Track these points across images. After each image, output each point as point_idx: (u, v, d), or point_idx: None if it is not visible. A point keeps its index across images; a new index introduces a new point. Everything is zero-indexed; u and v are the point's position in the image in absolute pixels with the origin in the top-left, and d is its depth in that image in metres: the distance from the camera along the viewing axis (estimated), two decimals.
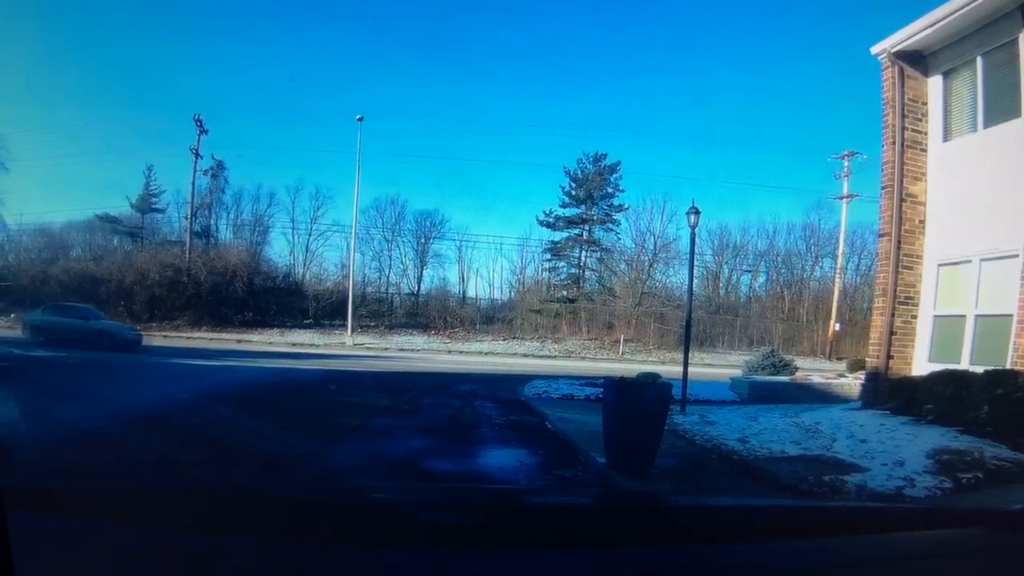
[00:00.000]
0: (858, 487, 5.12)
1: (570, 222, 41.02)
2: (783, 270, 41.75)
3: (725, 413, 9.36)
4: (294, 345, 25.78)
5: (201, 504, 1.27)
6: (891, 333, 8.86)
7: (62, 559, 0.96)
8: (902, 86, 8.91)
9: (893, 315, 8.85)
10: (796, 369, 15.22)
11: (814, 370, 17.93)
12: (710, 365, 24.98)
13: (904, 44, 8.81)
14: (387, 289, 40.94)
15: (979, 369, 7.24)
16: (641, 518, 1.48)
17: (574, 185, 40.88)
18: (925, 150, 8.99)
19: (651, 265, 39.39)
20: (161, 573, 0.98)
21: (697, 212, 10.33)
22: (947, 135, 8.87)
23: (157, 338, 25.84)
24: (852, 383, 12.02)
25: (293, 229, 41.72)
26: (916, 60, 8.99)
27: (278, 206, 42.24)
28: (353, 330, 29.75)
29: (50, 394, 8.67)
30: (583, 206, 40.95)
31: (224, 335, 27.86)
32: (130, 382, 11.19)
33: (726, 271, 42.53)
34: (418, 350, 27.63)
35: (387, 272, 41.58)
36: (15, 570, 0.77)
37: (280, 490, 1.84)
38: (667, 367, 19.18)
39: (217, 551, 1.03)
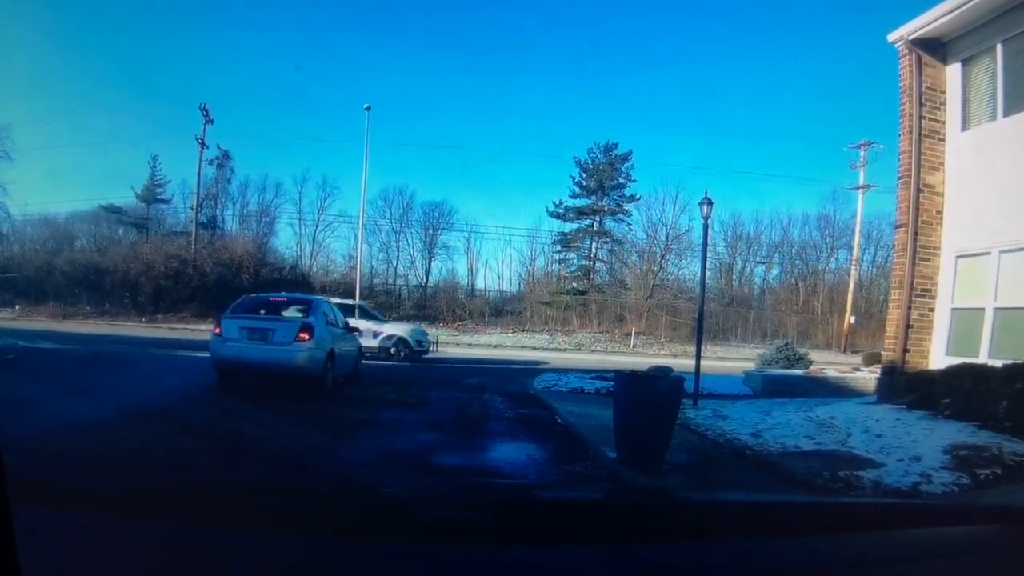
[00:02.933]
0: (874, 483, 5.08)
1: (580, 213, 40.85)
2: (797, 262, 41.55)
3: (738, 407, 9.31)
4: None
5: (209, 498, 1.26)
6: (908, 326, 8.75)
7: (68, 553, 0.95)
8: (920, 74, 8.75)
9: (910, 308, 8.73)
10: (810, 363, 15.13)
11: (829, 364, 17.82)
12: (723, 358, 24.86)
13: (922, 31, 8.64)
14: (395, 281, 40.77)
15: (998, 363, 7.17)
16: (652, 514, 1.45)
17: (585, 175, 40.69)
18: (943, 139, 8.84)
19: (663, 257, 39.23)
20: (169, 567, 0.97)
21: (710, 202, 10.21)
22: (966, 124, 8.72)
23: (163, 330, 25.96)
24: (868, 377, 11.91)
25: (300, 220, 41.54)
26: (934, 48, 8.82)
27: (284, 196, 41.87)
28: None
29: (58, 386, 8.73)
30: (594, 196, 40.76)
31: None
32: (137, 374, 11.26)
33: (739, 263, 42.40)
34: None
35: (395, 263, 41.38)
36: (20, 565, 0.76)
37: (288, 484, 1.85)
38: (679, 360, 19.18)
39: (225, 545, 1.02)
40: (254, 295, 10.85)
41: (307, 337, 8.74)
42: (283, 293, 12.26)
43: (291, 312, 9.59)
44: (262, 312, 9.49)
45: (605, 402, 7.73)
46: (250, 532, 1.07)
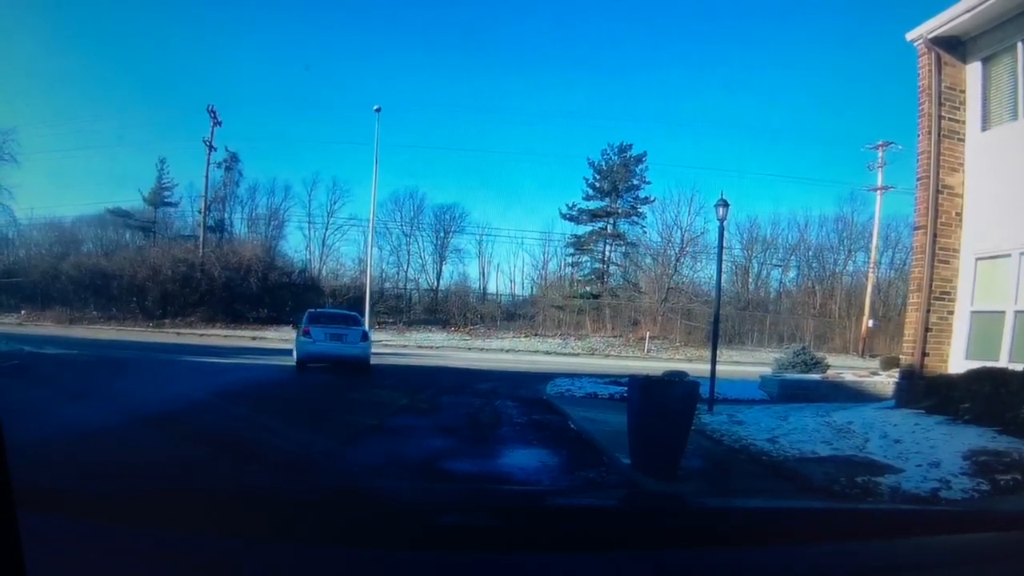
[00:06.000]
0: (892, 489, 5.02)
1: (594, 215, 40.55)
2: (814, 264, 40.97)
3: (754, 412, 9.20)
4: None
5: (216, 505, 1.28)
6: (926, 329, 8.62)
7: (74, 561, 0.96)
8: (939, 73, 8.64)
9: (928, 311, 8.61)
10: (828, 367, 14.91)
11: (846, 368, 17.55)
12: (739, 363, 24.63)
13: (941, 30, 8.53)
14: (405, 285, 40.37)
15: (1019, 367, 7.08)
16: (667, 521, 1.46)
17: (598, 177, 40.36)
18: (963, 140, 8.71)
19: (678, 259, 38.89)
20: (174, 574, 0.98)
21: (726, 204, 10.13)
22: (986, 124, 8.59)
23: (170, 335, 26.10)
24: (886, 381, 11.75)
25: (309, 223, 41.22)
26: (954, 46, 8.70)
27: (294, 199, 41.54)
28: (371, 327, 29.54)
29: (64, 392, 8.82)
30: (607, 199, 40.45)
31: (239, 332, 27.81)
32: (142, 380, 11.39)
33: (756, 266, 41.88)
34: (437, 347, 27.53)
35: (405, 267, 41.01)
36: (26, 572, 0.76)
37: (297, 491, 1.86)
38: (694, 365, 19.04)
39: (232, 553, 1.02)
40: (316, 310, 15.37)
41: (366, 339, 13.79)
42: (339, 309, 17.77)
43: (348, 322, 14.21)
44: (331, 322, 13.83)
45: (619, 407, 7.68)
46: (257, 539, 1.07)
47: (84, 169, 54.29)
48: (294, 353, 13.57)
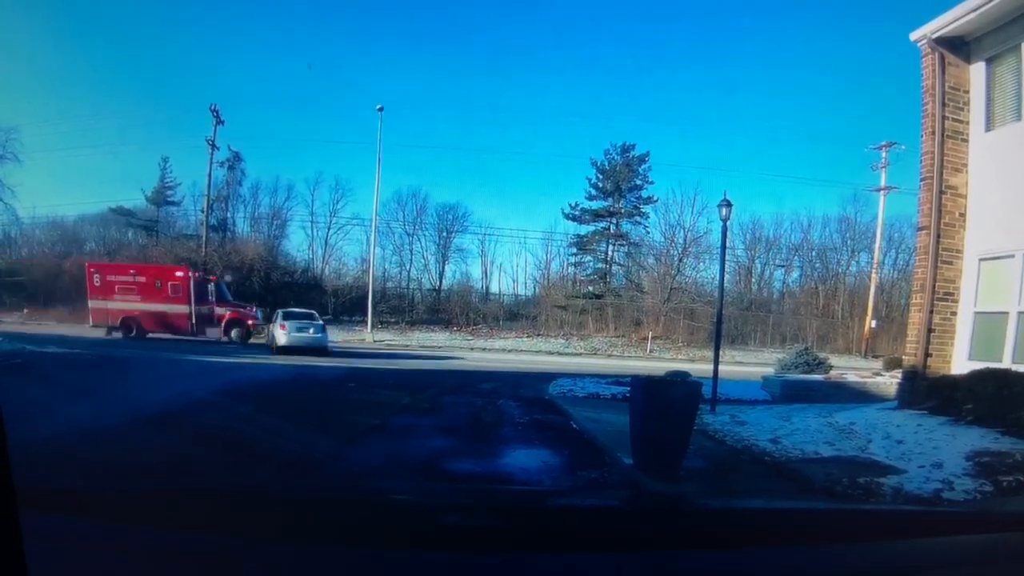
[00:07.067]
0: (894, 490, 5.01)
1: (597, 215, 40.60)
2: (817, 265, 40.99)
3: (757, 413, 9.20)
4: None
5: (218, 505, 1.28)
6: (929, 330, 8.60)
7: (75, 560, 0.96)
8: (943, 73, 8.62)
9: (932, 312, 8.59)
10: (830, 367, 14.89)
11: (849, 368, 17.52)
12: (741, 363, 24.65)
13: (945, 30, 8.51)
14: (408, 284, 40.47)
15: (1022, 368, 7.08)
16: (669, 521, 1.47)
17: (601, 177, 40.44)
18: (966, 140, 8.69)
19: (681, 259, 38.90)
20: (178, 573, 0.98)
21: (729, 205, 10.13)
22: (990, 124, 8.57)
23: None
24: (888, 382, 11.72)
25: (312, 222, 41.29)
26: (958, 46, 8.68)
27: (296, 199, 41.65)
28: (373, 326, 29.64)
29: (66, 391, 8.84)
30: (610, 198, 40.50)
31: None
32: (145, 379, 11.41)
33: (758, 266, 41.94)
34: (439, 347, 27.59)
35: (408, 267, 41.16)
36: (28, 571, 0.76)
37: (299, 491, 1.86)
38: (697, 365, 19.05)
39: (234, 553, 1.02)
40: (287, 310, 20.19)
41: (324, 330, 18.63)
42: (302, 309, 21.15)
43: (311, 318, 19.24)
44: (299, 318, 18.87)
45: (621, 408, 7.68)
46: (257, 539, 1.07)
47: (87, 168, 54.36)
48: (272, 341, 18.26)
